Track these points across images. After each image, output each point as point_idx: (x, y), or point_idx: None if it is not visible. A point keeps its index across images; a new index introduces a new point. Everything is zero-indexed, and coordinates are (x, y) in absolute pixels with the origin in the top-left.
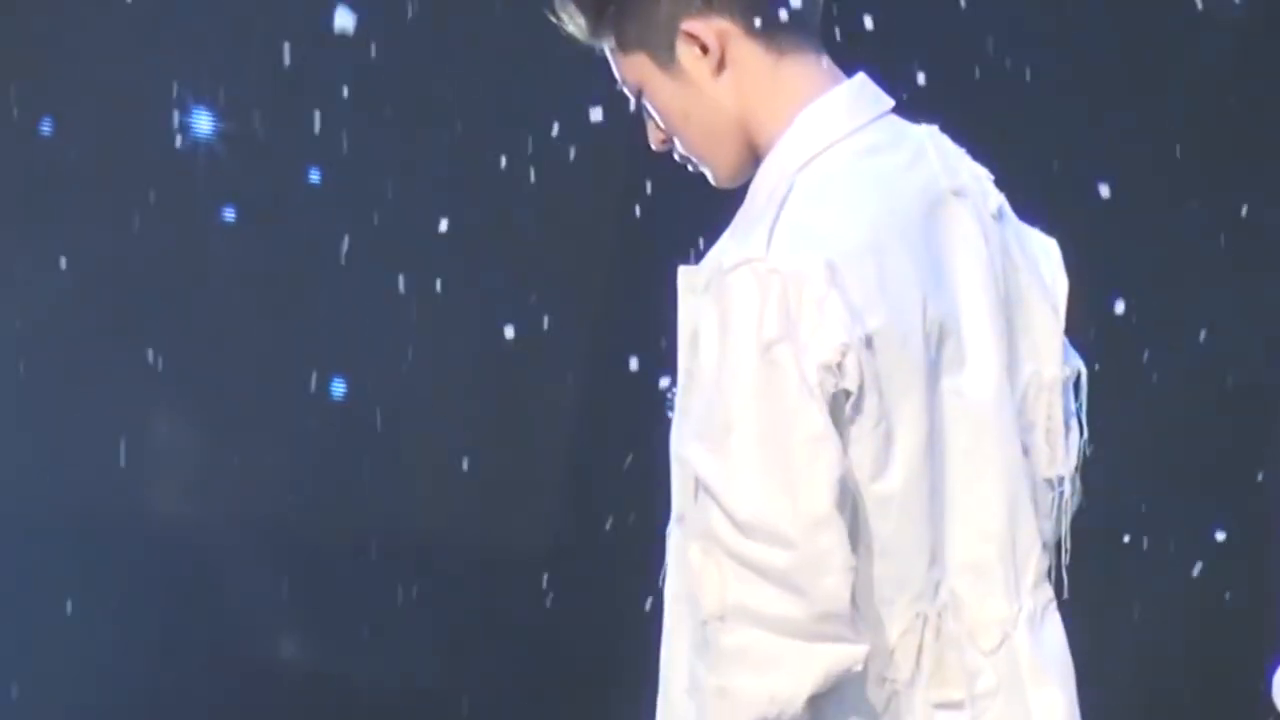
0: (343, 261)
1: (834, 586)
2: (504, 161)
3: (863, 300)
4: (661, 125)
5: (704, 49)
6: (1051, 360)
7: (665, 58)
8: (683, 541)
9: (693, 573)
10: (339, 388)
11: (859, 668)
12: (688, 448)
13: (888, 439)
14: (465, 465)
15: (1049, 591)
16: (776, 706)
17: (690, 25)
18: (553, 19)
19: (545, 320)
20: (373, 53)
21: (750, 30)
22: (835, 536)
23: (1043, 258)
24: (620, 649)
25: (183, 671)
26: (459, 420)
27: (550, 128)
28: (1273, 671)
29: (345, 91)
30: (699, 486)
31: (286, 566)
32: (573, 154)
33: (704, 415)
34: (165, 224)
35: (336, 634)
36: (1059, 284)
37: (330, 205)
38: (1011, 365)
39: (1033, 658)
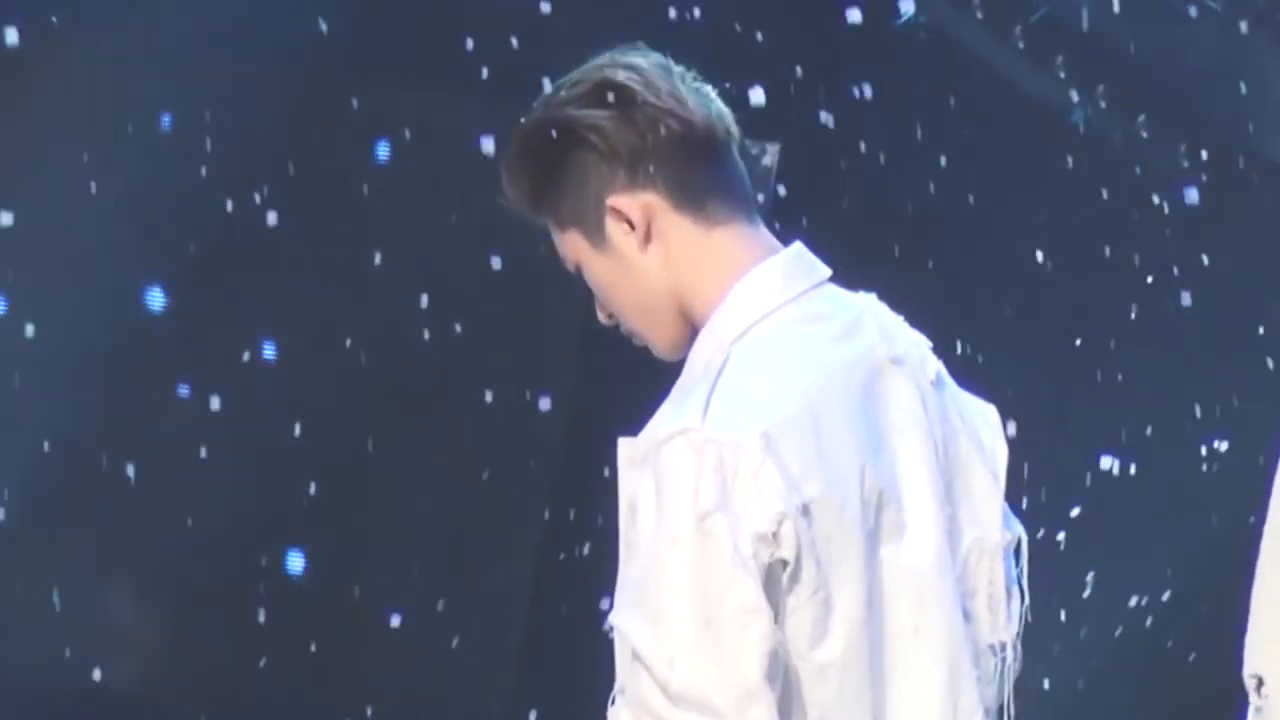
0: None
1: None
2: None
3: (800, 469)
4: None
5: (630, 224)
6: (992, 526)
7: (595, 234)
8: (618, 711)
9: None
10: (296, 562)
11: None
12: (622, 616)
13: (826, 606)
14: (423, 638)
15: None
16: None
17: (615, 200)
18: (500, 199)
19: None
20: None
21: (676, 203)
22: (764, 709)
23: (982, 424)
24: None
25: None
26: (415, 593)
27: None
28: None
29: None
30: (633, 655)
31: None
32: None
33: (638, 584)
34: (121, 401)
35: None
36: (998, 450)
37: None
38: (952, 531)
39: None
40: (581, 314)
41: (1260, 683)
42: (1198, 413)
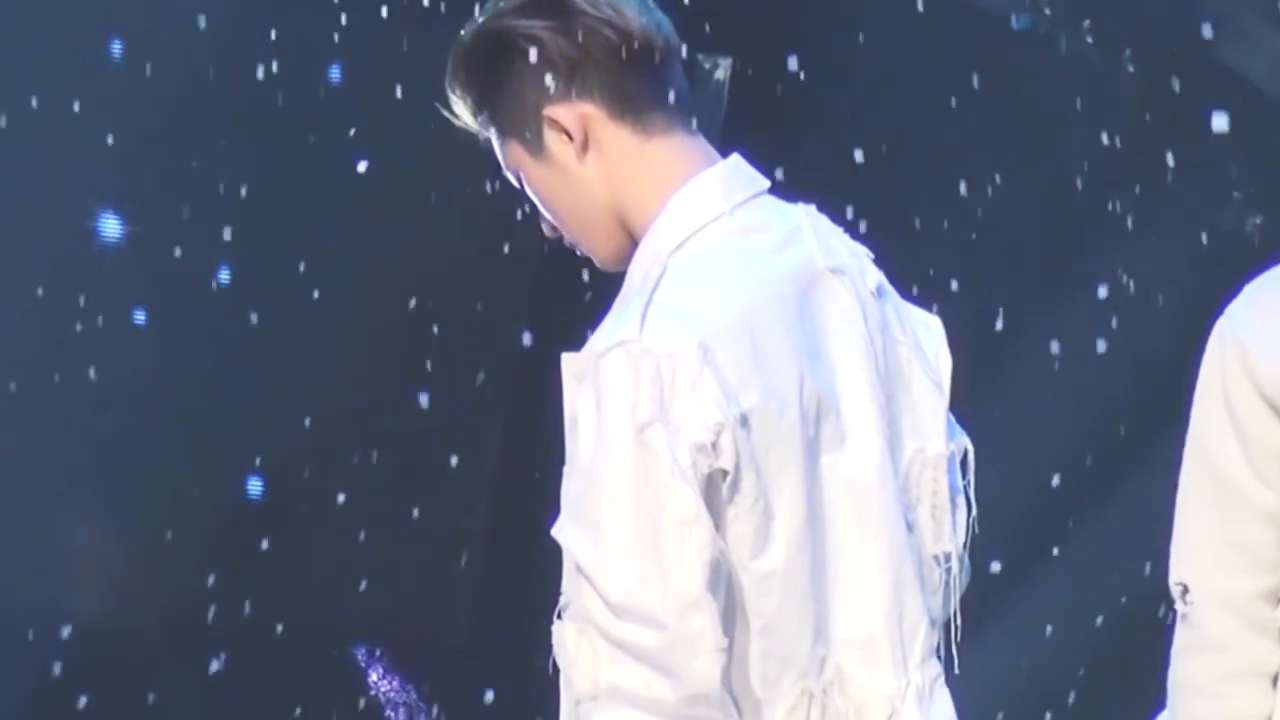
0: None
1: (704, 668)
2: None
3: (737, 379)
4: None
5: (568, 134)
6: (935, 437)
7: (535, 144)
8: (564, 625)
9: (566, 653)
10: (255, 486)
11: None
12: (564, 530)
13: (767, 516)
14: (382, 557)
15: (937, 667)
16: None
17: (552, 110)
18: (446, 113)
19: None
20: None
21: (613, 113)
22: (706, 618)
23: (925, 335)
24: None
25: None
26: (374, 513)
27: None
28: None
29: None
30: (576, 569)
31: (204, 665)
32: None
33: (579, 498)
34: (77, 327)
35: None
36: (942, 361)
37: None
38: (894, 442)
39: None
40: (539, 235)
41: (1185, 589)
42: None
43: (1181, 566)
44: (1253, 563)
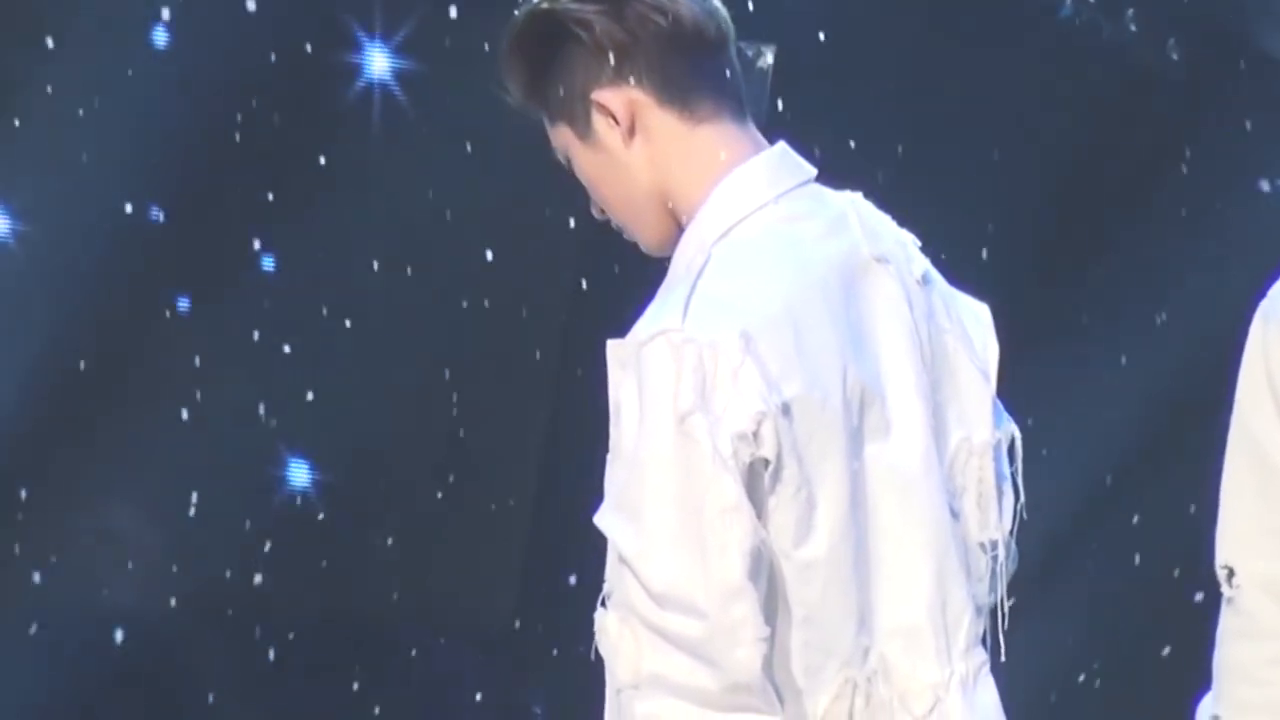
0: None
1: (746, 657)
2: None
3: (779, 369)
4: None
5: (615, 118)
6: (981, 425)
7: (583, 127)
8: (606, 614)
9: (609, 641)
10: (299, 475)
11: None
12: (606, 518)
13: (810, 505)
14: (426, 545)
15: (982, 655)
16: None
17: (600, 95)
18: (499, 91)
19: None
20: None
21: (661, 99)
22: (748, 607)
23: (972, 323)
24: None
25: None
26: (419, 500)
27: (516, 208)
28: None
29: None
30: (618, 558)
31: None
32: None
33: (622, 486)
34: (116, 309)
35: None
36: (989, 349)
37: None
38: (939, 430)
39: None
40: (585, 214)
41: (1231, 573)
42: (1164, 317)
43: (1227, 550)
44: None
